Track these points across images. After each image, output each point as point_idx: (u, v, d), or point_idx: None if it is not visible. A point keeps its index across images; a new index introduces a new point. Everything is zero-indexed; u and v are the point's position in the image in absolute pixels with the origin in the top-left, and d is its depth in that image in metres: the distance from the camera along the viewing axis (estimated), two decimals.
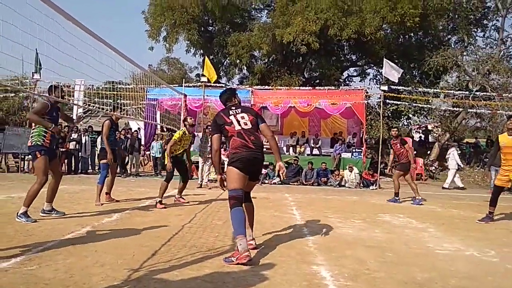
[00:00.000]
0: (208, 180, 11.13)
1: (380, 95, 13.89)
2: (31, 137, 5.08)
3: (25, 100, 26.94)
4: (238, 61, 20.89)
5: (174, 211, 6.24)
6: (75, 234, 4.37)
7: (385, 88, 13.58)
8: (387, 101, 14.84)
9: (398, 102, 15.41)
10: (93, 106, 9.89)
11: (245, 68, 22.71)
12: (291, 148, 15.11)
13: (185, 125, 7.05)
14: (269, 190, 10.39)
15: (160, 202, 6.59)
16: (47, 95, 5.27)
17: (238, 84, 22.48)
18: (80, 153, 13.20)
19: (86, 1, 61.13)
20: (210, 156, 10.77)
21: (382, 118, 13.72)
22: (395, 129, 9.23)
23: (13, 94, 19.81)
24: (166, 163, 6.91)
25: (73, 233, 4.37)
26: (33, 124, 5.18)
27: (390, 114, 18.42)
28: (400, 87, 15.03)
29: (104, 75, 6.59)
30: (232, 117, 3.81)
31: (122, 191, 8.39)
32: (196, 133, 13.19)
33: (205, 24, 22.40)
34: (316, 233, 4.85)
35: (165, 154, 7.09)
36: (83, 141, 13.22)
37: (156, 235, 4.42)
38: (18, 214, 4.91)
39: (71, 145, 12.91)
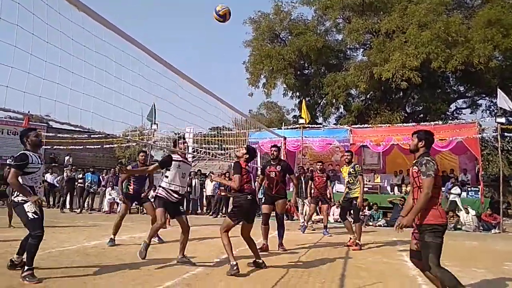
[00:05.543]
0: (312, 222, 10.24)
1: (496, 128, 12.56)
2: None
3: (144, 147, 30.34)
4: (334, 100, 20.89)
5: (278, 252, 6.33)
6: (190, 274, 4.69)
7: (502, 120, 12.17)
8: (505, 134, 13.31)
9: None
10: (201, 151, 10.74)
11: (341, 106, 22.58)
12: (395, 188, 14.28)
13: None
14: (375, 233, 9.88)
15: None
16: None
17: (334, 123, 22.30)
18: (190, 195, 14.19)
19: (201, 67, 67.99)
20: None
21: (501, 153, 12.34)
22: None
23: (134, 144, 22.39)
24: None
25: (188, 274, 4.71)
26: None
27: (510, 148, 16.43)
28: None
29: (208, 123, 7.28)
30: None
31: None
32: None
33: (301, 67, 23.08)
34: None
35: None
36: (193, 184, 14.23)
37: (265, 278, 4.53)
38: None
39: None
